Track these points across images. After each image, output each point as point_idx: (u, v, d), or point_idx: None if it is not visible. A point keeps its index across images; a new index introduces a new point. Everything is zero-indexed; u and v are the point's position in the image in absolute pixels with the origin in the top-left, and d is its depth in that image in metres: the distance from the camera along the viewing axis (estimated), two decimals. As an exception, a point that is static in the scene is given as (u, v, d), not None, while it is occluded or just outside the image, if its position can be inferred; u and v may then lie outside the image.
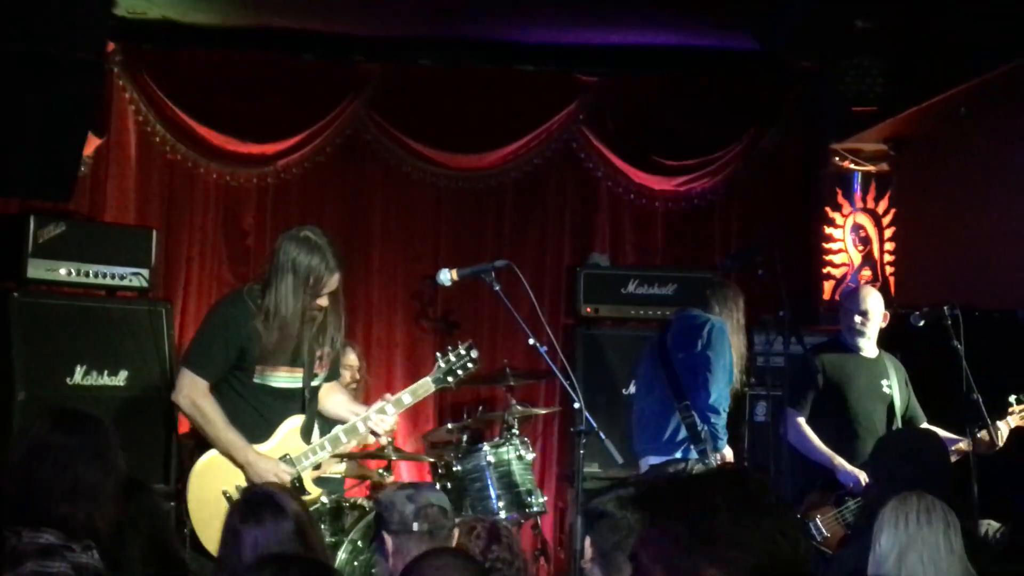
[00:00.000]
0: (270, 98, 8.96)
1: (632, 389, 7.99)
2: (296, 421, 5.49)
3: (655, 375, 6.91)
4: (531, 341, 5.25)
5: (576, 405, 5.06)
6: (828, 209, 9.39)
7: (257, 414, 5.42)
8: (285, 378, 5.46)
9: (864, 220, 9.35)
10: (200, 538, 5.30)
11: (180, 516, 7.01)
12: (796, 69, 9.22)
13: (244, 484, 5.31)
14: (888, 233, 9.28)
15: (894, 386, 6.81)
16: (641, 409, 7.03)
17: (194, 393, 5.36)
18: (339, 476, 7.57)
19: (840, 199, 9.39)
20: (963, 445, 6.43)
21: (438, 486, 6.53)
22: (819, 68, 9.00)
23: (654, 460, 6.81)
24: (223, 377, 5.42)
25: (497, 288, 5.20)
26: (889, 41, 8.26)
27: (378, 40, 9.06)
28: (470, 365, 5.65)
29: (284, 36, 8.91)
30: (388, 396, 5.64)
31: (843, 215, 9.38)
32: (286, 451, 5.42)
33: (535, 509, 7.02)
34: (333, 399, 5.77)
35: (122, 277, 7.16)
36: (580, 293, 8.66)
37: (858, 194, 9.38)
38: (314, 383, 5.56)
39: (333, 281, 5.40)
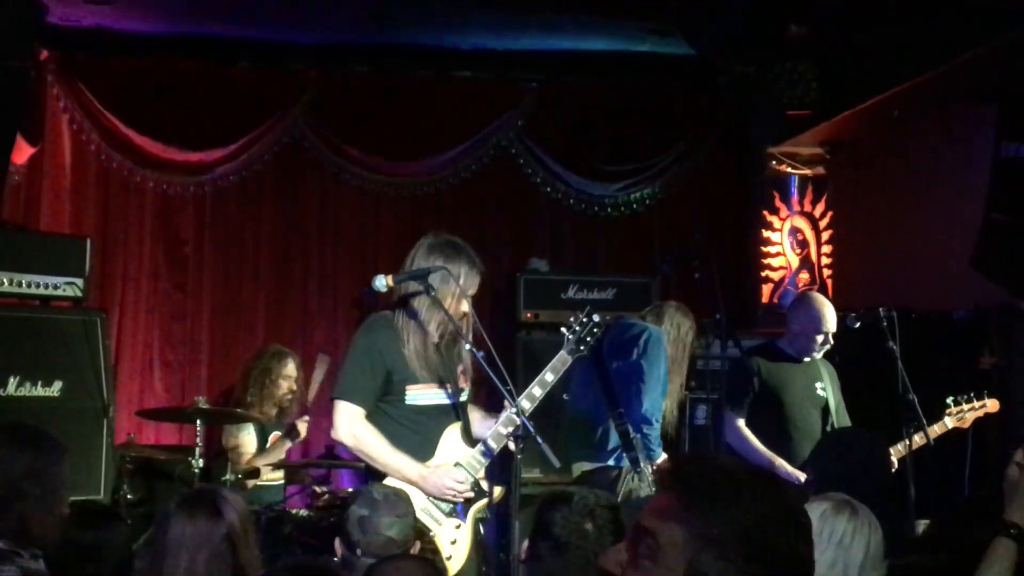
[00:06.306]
0: (207, 106, 8.91)
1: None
2: (455, 430, 5.32)
3: (589, 382, 6.87)
4: (467, 347, 5.22)
5: (513, 411, 5.04)
6: (766, 212, 9.46)
7: (415, 434, 5.23)
8: (435, 394, 5.27)
9: (801, 223, 9.42)
10: None
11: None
12: (732, 74, 9.28)
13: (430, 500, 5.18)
14: (825, 236, 9.37)
15: (828, 388, 6.84)
16: (574, 415, 7.00)
17: (353, 424, 5.16)
18: (279, 483, 7.54)
19: (777, 202, 9.47)
20: (900, 448, 6.46)
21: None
22: (754, 73, 9.06)
23: (587, 466, 6.78)
24: (375, 406, 5.24)
25: (433, 293, 5.16)
26: (823, 46, 8.33)
27: (315, 48, 9.02)
28: (596, 330, 5.37)
29: (221, 44, 8.86)
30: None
31: (780, 218, 9.45)
32: (455, 459, 5.25)
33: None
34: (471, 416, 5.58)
35: (56, 287, 7.06)
36: (520, 298, 8.69)
37: (795, 197, 9.46)
38: (462, 398, 5.40)
39: (477, 282, 5.33)
